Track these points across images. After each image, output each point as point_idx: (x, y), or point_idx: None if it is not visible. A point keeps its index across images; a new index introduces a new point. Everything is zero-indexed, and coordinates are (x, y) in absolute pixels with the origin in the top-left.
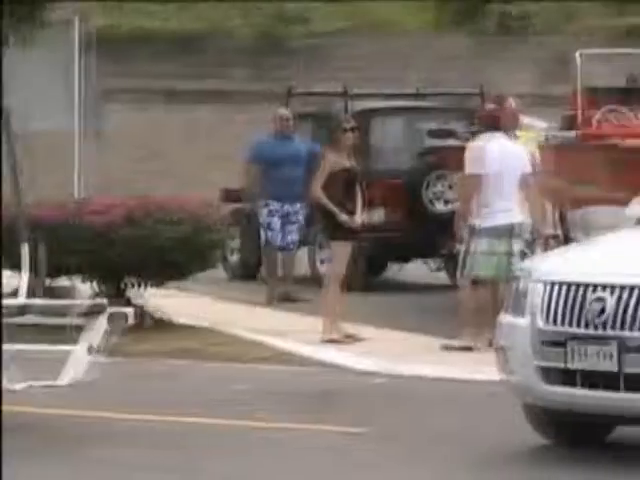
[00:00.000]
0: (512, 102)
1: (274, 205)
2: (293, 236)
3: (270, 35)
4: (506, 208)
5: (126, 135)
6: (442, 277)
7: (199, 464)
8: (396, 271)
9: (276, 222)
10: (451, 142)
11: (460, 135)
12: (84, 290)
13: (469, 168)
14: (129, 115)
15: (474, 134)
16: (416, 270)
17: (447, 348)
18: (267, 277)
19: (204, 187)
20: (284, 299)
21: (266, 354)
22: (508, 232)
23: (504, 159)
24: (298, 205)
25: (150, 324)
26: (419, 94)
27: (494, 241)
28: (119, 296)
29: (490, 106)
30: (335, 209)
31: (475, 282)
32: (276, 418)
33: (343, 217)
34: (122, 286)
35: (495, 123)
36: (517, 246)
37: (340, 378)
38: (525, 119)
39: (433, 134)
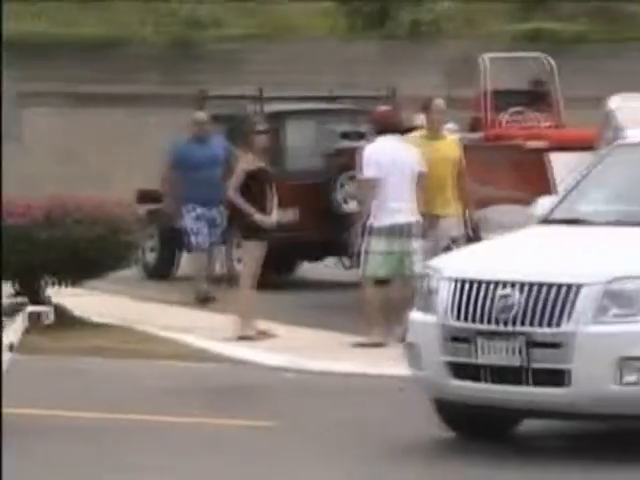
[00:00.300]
0: (440, 103)
1: (200, 209)
2: (215, 239)
3: (182, 40)
4: (398, 208)
5: (44, 138)
6: (350, 274)
7: (112, 459)
8: (305, 270)
9: (203, 226)
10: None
11: (370, 136)
12: (2, 289)
13: (360, 172)
14: (47, 119)
15: (363, 135)
16: (324, 268)
17: (359, 345)
18: (195, 278)
19: (120, 188)
20: (203, 299)
21: (179, 351)
22: (401, 231)
23: (393, 160)
24: (221, 208)
25: (50, 321)
26: (330, 97)
27: (387, 240)
28: (34, 295)
29: (382, 107)
30: (250, 209)
31: (380, 280)
32: (188, 413)
33: (258, 216)
34: (41, 285)
35: (386, 125)
36: (411, 245)
37: (251, 374)
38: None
39: (345, 136)
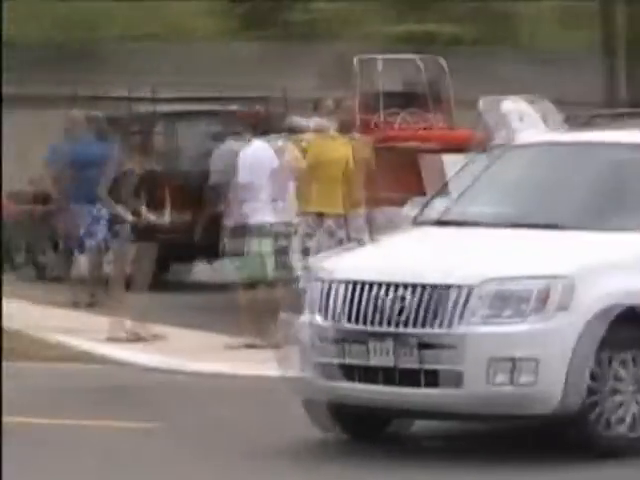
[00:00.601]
0: (330, 105)
1: (88, 209)
2: (100, 236)
3: (71, 40)
4: (255, 208)
5: None
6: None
7: None
8: (186, 271)
9: (93, 228)
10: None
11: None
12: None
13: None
14: None
15: (232, 135)
16: (203, 269)
17: (232, 347)
18: (81, 280)
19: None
20: (89, 301)
21: (62, 353)
22: (272, 231)
23: (251, 161)
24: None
25: None
26: (214, 98)
27: (259, 240)
28: None
29: (249, 108)
30: (119, 210)
31: (254, 281)
32: (68, 415)
33: (150, 218)
34: None
35: (253, 125)
36: (270, 244)
37: (131, 375)
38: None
39: (219, 137)
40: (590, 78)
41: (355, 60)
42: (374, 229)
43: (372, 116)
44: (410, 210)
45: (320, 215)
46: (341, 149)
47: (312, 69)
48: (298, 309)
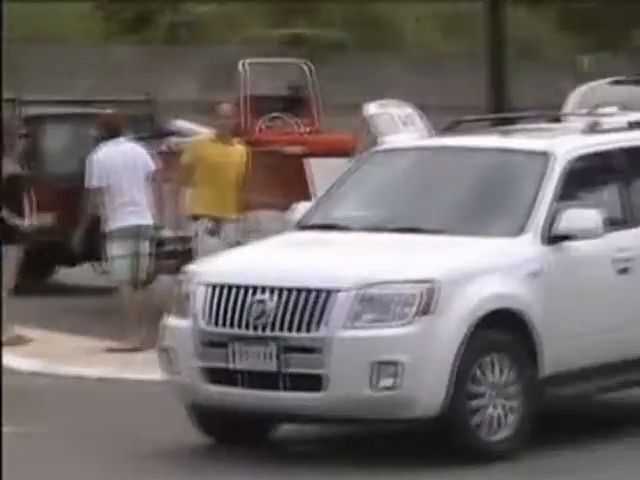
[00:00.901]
0: (225, 108)
1: None
2: None
3: None
4: (131, 211)
5: None
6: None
7: None
8: (64, 274)
9: None
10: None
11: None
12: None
13: (87, 181)
14: None
15: (97, 140)
16: (81, 273)
17: (112, 350)
18: None
19: None
20: None
21: None
22: (135, 234)
23: (123, 164)
24: None
25: None
26: (87, 101)
27: (125, 244)
28: None
29: (109, 111)
30: (6, 213)
31: (136, 284)
32: None
33: (15, 221)
34: None
35: (111, 128)
36: (145, 247)
37: (6, 379)
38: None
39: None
40: (468, 83)
41: (240, 63)
42: (242, 233)
43: (256, 120)
44: (292, 214)
45: (216, 219)
46: (236, 154)
47: (188, 72)
48: (181, 312)
